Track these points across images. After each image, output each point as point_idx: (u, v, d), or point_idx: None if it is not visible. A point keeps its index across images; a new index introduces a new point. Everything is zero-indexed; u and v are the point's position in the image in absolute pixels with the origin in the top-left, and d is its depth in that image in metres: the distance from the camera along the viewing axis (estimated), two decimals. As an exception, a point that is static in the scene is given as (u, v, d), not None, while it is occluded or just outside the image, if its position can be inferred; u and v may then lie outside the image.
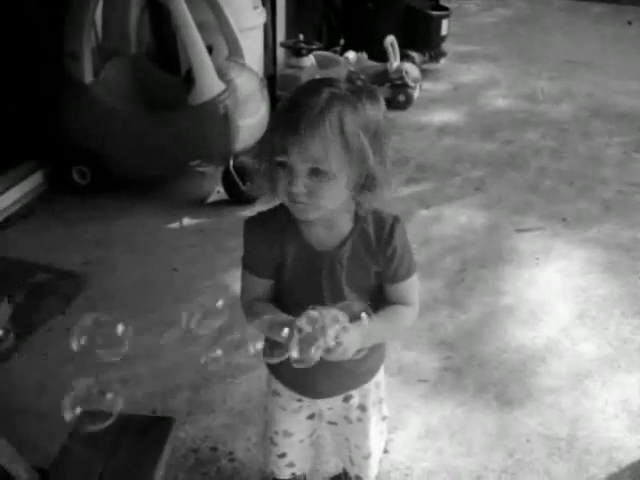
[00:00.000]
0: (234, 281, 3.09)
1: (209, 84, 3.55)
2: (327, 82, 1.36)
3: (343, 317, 1.32)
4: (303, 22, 4.88)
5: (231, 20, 3.85)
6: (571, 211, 3.70)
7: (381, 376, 1.76)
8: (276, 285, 1.53)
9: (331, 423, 1.78)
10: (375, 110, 1.37)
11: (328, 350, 1.32)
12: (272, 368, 1.72)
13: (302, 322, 1.28)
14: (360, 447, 1.80)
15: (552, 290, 3.08)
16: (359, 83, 1.38)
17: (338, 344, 1.31)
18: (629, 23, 7.39)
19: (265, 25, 4.35)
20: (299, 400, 1.71)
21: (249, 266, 1.55)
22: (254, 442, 2.24)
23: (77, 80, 3.61)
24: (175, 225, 3.64)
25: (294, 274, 1.35)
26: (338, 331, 1.30)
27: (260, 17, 4.28)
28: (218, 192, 3.94)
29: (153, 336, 2.79)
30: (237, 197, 3.78)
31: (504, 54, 6.30)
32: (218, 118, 3.57)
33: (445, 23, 5.69)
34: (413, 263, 1.54)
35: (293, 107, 1.34)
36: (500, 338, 2.76)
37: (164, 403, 2.41)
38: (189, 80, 3.68)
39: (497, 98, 5.31)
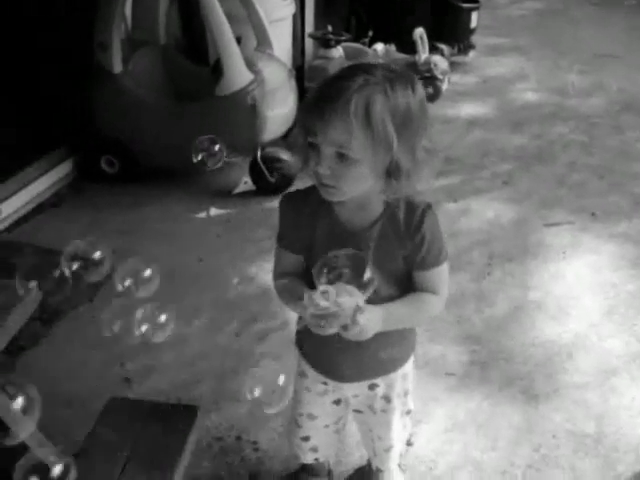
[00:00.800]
0: (260, 272, 3.15)
1: (237, 75, 3.56)
2: (363, 67, 1.36)
3: (359, 295, 1.31)
4: (331, 14, 4.86)
5: (260, 11, 3.85)
6: (600, 206, 3.65)
7: (409, 368, 1.75)
8: (306, 262, 1.55)
9: (357, 412, 1.78)
10: (407, 97, 1.36)
11: (345, 327, 1.33)
12: (301, 347, 1.74)
13: (316, 294, 1.28)
14: (382, 439, 1.80)
15: (580, 285, 3.04)
16: (396, 69, 1.37)
17: (354, 322, 1.32)
18: (662, 16, 7.28)
19: (294, 16, 4.34)
20: (324, 383, 1.72)
21: (282, 241, 1.57)
22: (279, 432, 2.25)
23: (106, 70, 3.64)
24: (202, 215, 3.66)
25: (323, 252, 1.35)
26: (353, 307, 1.29)
27: (289, 8, 4.27)
28: (245, 183, 3.95)
29: (178, 326, 2.80)
30: (264, 188, 3.79)
31: (534, 47, 6.23)
32: (246, 109, 3.58)
33: (475, 15, 5.63)
34: (444, 252, 1.53)
35: (324, 91, 1.35)
36: (527, 332, 2.74)
37: (189, 392, 2.43)
38: (217, 70, 3.69)
39: (526, 92, 5.25)
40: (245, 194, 3.86)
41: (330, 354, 1.63)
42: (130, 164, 3.85)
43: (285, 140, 3.98)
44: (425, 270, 1.52)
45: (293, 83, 4.00)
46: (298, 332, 1.74)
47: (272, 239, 3.30)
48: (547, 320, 2.81)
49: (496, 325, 2.79)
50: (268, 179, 3.74)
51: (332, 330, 1.33)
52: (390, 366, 1.69)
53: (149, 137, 3.75)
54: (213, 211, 3.69)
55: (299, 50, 4.41)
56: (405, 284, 1.55)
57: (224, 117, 3.61)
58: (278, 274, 1.59)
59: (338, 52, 4.52)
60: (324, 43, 4.44)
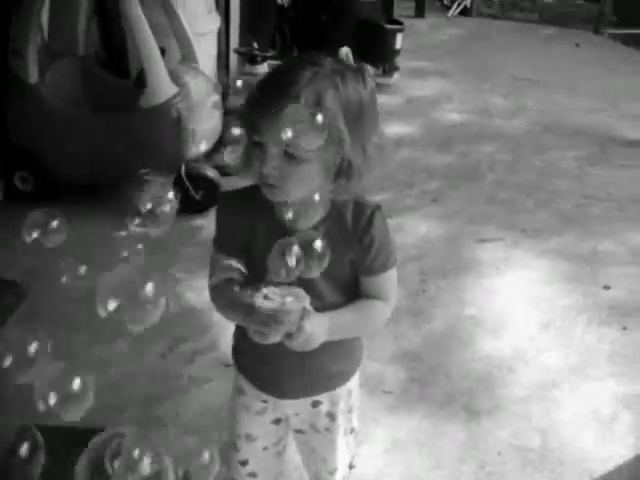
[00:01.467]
0: (186, 291, 2.99)
1: (162, 86, 3.40)
2: (311, 60, 1.25)
3: (305, 297, 1.22)
4: (256, 31, 4.78)
5: (185, 23, 3.72)
6: (530, 222, 3.67)
7: (354, 383, 1.63)
8: (245, 266, 1.43)
9: (298, 432, 1.64)
10: (359, 90, 1.26)
11: (289, 335, 1.24)
12: (238, 361, 1.60)
13: (258, 296, 1.20)
14: (326, 460, 1.67)
15: (515, 300, 3.02)
16: (346, 62, 1.28)
17: (300, 329, 1.23)
18: (577, 45, 7.54)
19: (219, 31, 4.24)
20: (264, 401, 1.57)
21: (218, 244, 1.46)
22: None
23: (21, 79, 3.41)
24: (122, 233, 3.46)
25: (262, 254, 1.24)
26: (299, 311, 1.21)
27: (214, 22, 4.17)
28: (169, 201, 3.77)
29: (102, 346, 2.62)
30: (189, 206, 3.62)
31: (456, 70, 6.32)
32: (171, 122, 3.42)
33: (399, 37, 5.67)
34: (392, 256, 1.43)
35: (270, 86, 1.24)
36: (466, 348, 2.68)
37: (113, 418, 2.24)
38: (140, 82, 3.53)
39: (451, 112, 5.30)
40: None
41: (270, 367, 1.50)
42: (46, 181, 3.62)
43: (210, 156, 3.85)
44: (373, 275, 1.42)
45: (219, 100, 3.86)
46: (235, 344, 1.61)
47: (198, 259, 3.16)
48: (485, 335, 2.76)
49: (434, 341, 2.72)
50: (193, 196, 3.59)
51: (275, 338, 1.23)
52: (335, 381, 1.56)
53: (67, 151, 3.53)
54: (134, 230, 3.50)
55: (224, 65, 4.30)
56: (351, 291, 1.44)
57: (148, 130, 3.45)
58: (215, 285, 1.46)
59: (264, 69, 4.44)
60: (250, 59, 4.35)
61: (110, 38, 4.34)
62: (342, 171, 1.29)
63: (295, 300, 1.20)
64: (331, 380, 1.55)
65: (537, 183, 4.15)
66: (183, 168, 3.53)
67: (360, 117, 1.27)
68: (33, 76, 3.44)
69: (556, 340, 2.74)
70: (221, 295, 1.43)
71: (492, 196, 3.98)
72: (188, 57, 3.76)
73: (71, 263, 1.17)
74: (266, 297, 1.19)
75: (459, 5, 9.10)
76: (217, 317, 2.76)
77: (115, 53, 4.29)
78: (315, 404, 1.58)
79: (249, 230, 1.40)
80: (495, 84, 6.01)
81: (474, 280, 3.15)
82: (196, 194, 3.57)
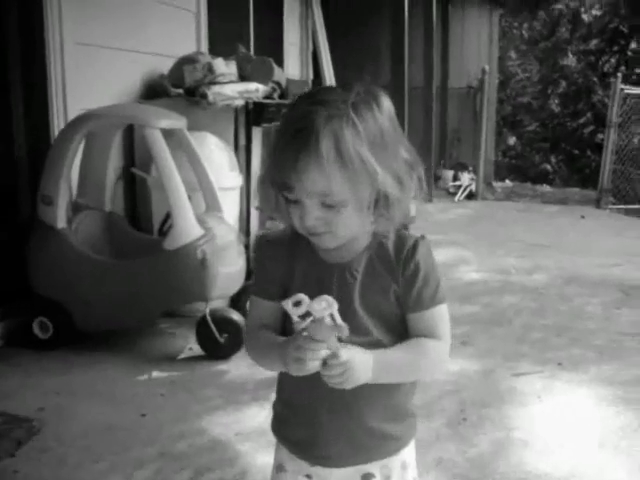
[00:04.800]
0: (210, 426, 2.81)
1: (187, 228, 3.45)
2: (319, 100, 1.24)
3: (333, 302, 1.15)
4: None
5: (211, 176, 3.86)
6: (565, 357, 3.53)
7: (410, 456, 1.46)
8: (285, 313, 1.34)
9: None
10: (375, 117, 1.24)
11: (325, 363, 1.17)
12: (278, 430, 1.45)
13: (287, 303, 1.16)
14: None
15: (565, 423, 2.81)
16: (356, 89, 1.25)
17: (335, 356, 1.16)
18: (582, 217, 7.76)
19: (241, 188, 4.38)
20: (307, 476, 1.40)
21: (256, 288, 1.40)
22: None
23: (48, 225, 3.47)
24: (143, 377, 3.33)
25: (302, 291, 1.17)
26: (328, 314, 1.14)
27: (237, 179, 4.32)
28: (190, 349, 3.67)
29: (120, 476, 2.41)
30: (213, 350, 3.51)
31: (470, 241, 6.43)
32: (195, 263, 3.42)
33: (413, 206, 5.82)
34: (441, 290, 1.35)
35: (287, 139, 1.22)
36: (518, 468, 2.45)
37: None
38: (166, 226, 3.61)
39: (470, 272, 5.30)
40: (191, 358, 3.57)
41: (312, 426, 1.36)
42: (66, 328, 3.54)
43: (234, 301, 3.81)
44: (423, 310, 1.33)
45: (242, 247, 3.91)
46: (275, 412, 1.48)
47: (222, 399, 3.02)
48: (538, 455, 2.54)
49: (483, 464, 2.49)
50: (218, 340, 3.48)
51: (313, 364, 1.16)
52: (386, 447, 1.40)
53: (89, 298, 3.50)
54: (155, 374, 3.37)
55: (245, 220, 4.40)
56: (399, 332, 1.34)
57: (172, 272, 3.44)
58: (251, 327, 1.39)
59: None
60: (270, 216, 4.44)
61: (134, 200, 4.49)
62: (380, 202, 1.25)
63: (325, 306, 1.14)
64: (382, 444, 1.39)
65: (566, 324, 4.05)
66: (208, 311, 3.47)
67: (384, 143, 1.24)
68: (61, 222, 3.50)
69: (616, 458, 2.51)
70: (257, 340, 1.35)
71: (522, 337, 3.86)
72: (213, 207, 3.85)
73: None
74: (296, 304, 1.14)
75: (464, 191, 9.50)
76: (244, 448, 2.60)
77: (139, 213, 4.41)
78: (366, 478, 1.40)
79: (288, 270, 1.35)
80: (509, 249, 6.09)
81: (517, 408, 2.96)
82: (220, 337, 3.47)
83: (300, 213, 1.23)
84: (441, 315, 1.36)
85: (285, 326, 1.34)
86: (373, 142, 1.22)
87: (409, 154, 1.29)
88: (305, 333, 1.15)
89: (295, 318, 1.14)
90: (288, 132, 1.22)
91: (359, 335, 1.26)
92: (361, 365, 1.20)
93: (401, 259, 1.31)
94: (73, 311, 3.51)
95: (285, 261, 1.35)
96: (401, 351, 1.30)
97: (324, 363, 1.16)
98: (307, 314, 1.14)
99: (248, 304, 1.33)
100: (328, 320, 1.13)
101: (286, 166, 1.20)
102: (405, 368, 1.32)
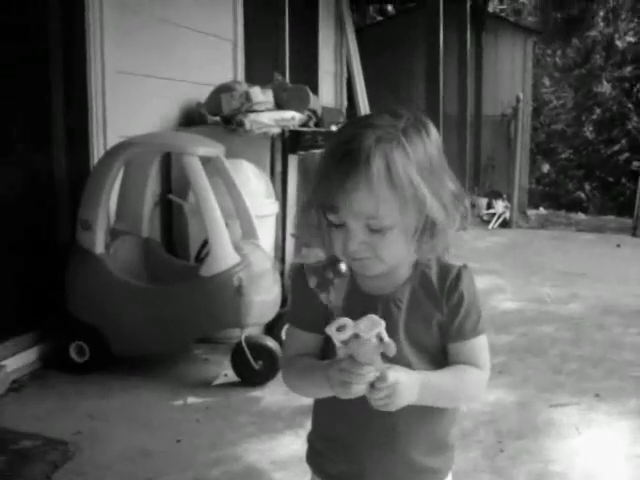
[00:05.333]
0: (245, 453, 2.81)
1: (224, 255, 3.48)
2: (368, 123, 1.25)
3: (379, 322, 1.13)
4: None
5: (248, 203, 3.89)
6: (603, 389, 3.46)
7: (450, 487, 1.45)
8: (326, 343, 1.33)
9: None
10: (425, 144, 1.25)
11: (372, 386, 1.15)
12: (314, 463, 1.45)
13: (331, 329, 1.14)
14: None
15: (604, 457, 2.76)
16: (405, 116, 1.26)
17: (383, 377, 1.14)
18: (618, 246, 7.65)
19: (277, 216, 4.41)
20: None
21: (294, 318, 1.39)
22: None
23: (87, 250, 3.53)
24: (179, 402, 3.34)
25: None
26: (376, 335, 1.12)
27: (273, 207, 4.35)
28: (225, 375, 3.67)
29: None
30: (248, 376, 3.51)
31: (505, 269, 6.37)
32: (232, 290, 3.44)
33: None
34: (482, 320, 1.34)
35: (335, 160, 1.22)
36: (557, 503, 2.41)
37: None
38: (203, 252, 3.64)
39: (505, 301, 5.25)
40: (226, 384, 3.58)
41: (352, 461, 1.35)
42: (102, 352, 3.58)
43: (269, 328, 3.82)
44: (465, 340, 1.32)
45: (277, 275, 3.93)
46: (310, 443, 1.47)
47: (257, 425, 3.03)
48: (576, 490, 2.49)
49: (521, 497, 2.45)
50: (253, 366, 3.48)
51: (359, 387, 1.14)
52: (425, 479, 1.39)
53: (125, 323, 3.55)
54: (191, 399, 3.38)
55: (280, 248, 4.42)
56: (441, 362, 1.33)
57: (208, 299, 3.47)
58: (288, 358, 1.37)
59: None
60: (308, 243, 4.46)
61: (171, 225, 4.54)
62: (426, 229, 1.25)
63: (370, 325, 1.12)
64: (420, 477, 1.37)
65: (603, 355, 3.98)
66: (243, 337, 3.48)
67: (432, 170, 1.25)
68: (99, 247, 3.56)
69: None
70: (296, 365, 1.34)
71: (558, 368, 3.81)
72: (249, 234, 3.88)
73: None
74: (340, 329, 1.12)
75: (498, 218, 9.43)
76: (279, 476, 2.60)
77: (176, 238, 4.46)
78: (404, 511, 1.39)
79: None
80: (544, 277, 6.02)
81: (554, 441, 2.92)
82: (256, 364, 3.47)
83: (344, 237, 1.22)
84: (482, 345, 1.35)
85: (325, 358, 1.33)
86: (422, 167, 1.22)
87: (454, 185, 1.30)
88: (348, 352, 1.13)
89: (338, 344, 1.12)
90: (337, 153, 1.22)
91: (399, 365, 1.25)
92: (408, 385, 1.18)
93: (445, 289, 1.31)
94: (109, 335, 3.55)
95: None
96: (445, 374, 1.30)
97: (371, 385, 1.14)
98: (349, 340, 1.12)
99: (284, 332, 1.31)
100: (374, 341, 1.11)
101: (334, 186, 1.20)
102: (449, 391, 1.31)
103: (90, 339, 3.58)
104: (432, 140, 1.27)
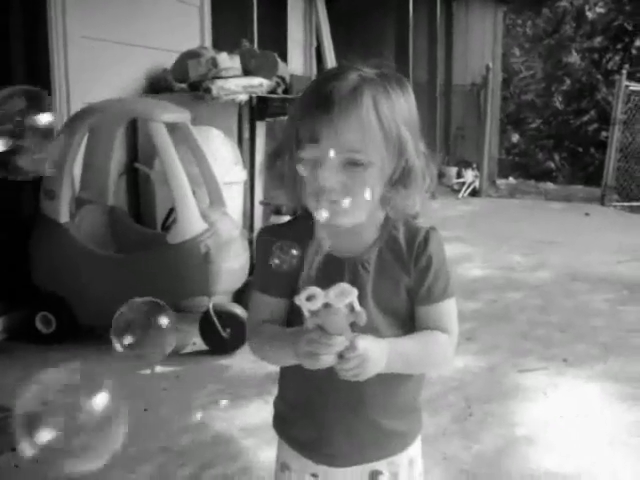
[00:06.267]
0: (213, 421, 2.79)
1: (191, 223, 3.43)
2: (353, 67, 1.23)
3: (351, 292, 1.09)
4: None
5: (215, 171, 3.83)
6: (570, 353, 3.50)
7: (417, 451, 1.43)
8: (291, 308, 1.30)
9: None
10: (407, 99, 1.25)
11: (341, 356, 1.11)
12: (282, 429, 1.42)
13: (301, 299, 1.09)
14: None
15: (571, 420, 2.79)
16: (386, 70, 1.25)
17: (352, 347, 1.10)
18: (587, 214, 7.73)
19: (245, 183, 4.36)
20: (313, 475, 1.37)
21: (260, 284, 1.34)
22: None
23: (51, 219, 3.46)
24: (146, 372, 3.31)
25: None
26: (347, 306, 1.08)
27: (241, 173, 4.30)
28: (194, 344, 3.64)
29: (122, 471, 2.39)
30: (216, 345, 3.49)
31: (473, 237, 6.40)
32: (199, 257, 3.40)
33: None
34: (450, 284, 1.32)
35: (321, 90, 1.19)
36: (524, 466, 2.43)
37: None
38: (170, 220, 3.59)
39: (473, 269, 5.28)
40: (194, 353, 3.55)
41: (318, 424, 1.33)
42: (68, 322, 3.53)
43: (237, 296, 3.79)
44: (433, 303, 1.30)
45: (246, 243, 3.89)
46: (277, 409, 1.44)
47: (224, 393, 3.00)
48: (542, 452, 2.52)
49: (488, 461, 2.47)
50: (221, 334, 3.46)
51: (328, 358, 1.10)
52: (393, 443, 1.37)
53: (91, 292, 3.48)
54: (158, 369, 3.35)
55: (249, 215, 4.38)
56: (409, 327, 1.31)
57: (175, 266, 3.42)
58: (255, 324, 1.33)
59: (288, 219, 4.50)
60: (276, 210, 4.43)
61: (138, 192, 4.47)
62: (401, 177, 1.23)
63: (340, 294, 1.08)
64: (388, 441, 1.36)
65: (571, 321, 4.03)
66: (211, 305, 3.45)
67: (412, 123, 1.24)
68: (64, 216, 3.48)
69: (627, 458, 2.49)
70: (262, 334, 1.31)
71: (527, 333, 3.84)
72: (217, 202, 3.83)
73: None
74: (309, 299, 1.08)
75: (468, 188, 9.47)
76: (248, 444, 2.58)
77: (143, 206, 4.39)
78: (373, 475, 1.37)
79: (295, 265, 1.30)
80: (513, 246, 6.06)
81: (521, 404, 2.95)
82: (224, 332, 3.45)
83: (320, 174, 1.16)
84: (450, 309, 1.33)
85: (291, 324, 1.30)
86: (404, 116, 1.21)
87: (425, 149, 1.28)
88: (317, 322, 1.09)
89: (307, 314, 1.08)
90: (322, 89, 1.18)
91: (366, 332, 1.19)
92: (376, 354, 1.15)
93: (413, 251, 1.28)
94: (75, 305, 3.50)
95: None
96: (413, 341, 1.27)
97: (340, 355, 1.11)
98: (319, 310, 1.08)
99: (249, 304, 1.29)
100: (345, 310, 1.07)
101: (319, 112, 1.16)
102: (417, 358, 1.28)
103: (56, 309, 3.53)
104: (411, 98, 1.26)
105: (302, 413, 1.35)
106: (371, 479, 1.38)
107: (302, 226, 1.30)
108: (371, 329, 1.20)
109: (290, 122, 1.25)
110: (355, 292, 1.08)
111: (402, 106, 1.23)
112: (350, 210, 1.19)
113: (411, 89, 1.28)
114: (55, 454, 1.00)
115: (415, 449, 1.43)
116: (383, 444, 1.36)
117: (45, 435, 0.98)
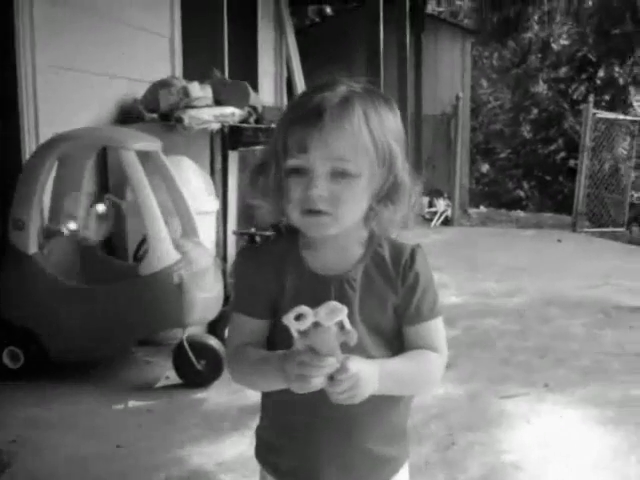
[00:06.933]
0: (189, 457, 2.70)
1: (164, 252, 3.35)
2: (341, 80, 1.22)
3: (341, 310, 1.05)
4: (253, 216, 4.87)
5: (188, 201, 3.77)
6: (551, 378, 3.47)
7: (405, 477, 1.39)
8: (272, 329, 1.26)
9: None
10: (394, 115, 1.24)
11: (332, 379, 1.07)
12: (265, 458, 1.36)
13: (289, 318, 1.06)
14: None
15: (557, 445, 2.75)
16: (372, 87, 1.24)
17: (343, 369, 1.06)
18: (559, 241, 7.79)
19: (217, 212, 4.30)
20: None
21: (240, 304, 1.28)
22: None
23: (19, 250, 3.35)
24: (119, 407, 3.20)
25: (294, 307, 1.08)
26: (337, 324, 1.05)
27: (213, 203, 4.25)
28: (167, 378, 3.54)
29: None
30: (190, 377, 3.39)
31: (447, 265, 6.37)
32: (172, 288, 3.32)
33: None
34: (438, 302, 1.30)
35: (310, 100, 1.18)
36: (511, 493, 2.37)
37: None
38: (141, 251, 3.51)
39: (450, 296, 5.24)
40: (168, 387, 3.45)
41: (304, 450, 1.28)
42: (37, 357, 3.41)
43: (212, 327, 3.71)
44: (422, 322, 1.27)
45: (219, 273, 3.82)
46: (259, 438, 1.38)
47: (201, 428, 2.92)
48: (529, 479, 2.46)
49: (474, 490, 2.41)
50: (195, 367, 3.37)
51: (318, 380, 1.06)
52: (382, 469, 1.33)
53: (63, 325, 3.37)
54: (132, 403, 3.25)
55: (222, 245, 4.32)
56: (396, 346, 1.27)
57: (148, 297, 3.34)
58: (235, 348, 1.27)
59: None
60: (250, 239, 4.38)
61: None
62: (389, 192, 1.21)
63: (330, 313, 1.04)
64: (378, 466, 1.31)
65: (549, 346, 4.01)
66: (185, 337, 3.36)
67: (401, 138, 1.24)
68: (33, 247, 3.39)
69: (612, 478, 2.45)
70: (246, 359, 1.24)
71: (507, 359, 3.81)
72: (189, 232, 3.76)
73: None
74: (298, 318, 1.04)
75: (440, 217, 9.51)
76: (226, 479, 2.49)
77: (114, 237, 4.29)
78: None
79: (275, 285, 1.25)
80: (487, 273, 6.06)
81: (505, 432, 2.90)
82: (198, 364, 3.36)
83: (306, 184, 1.15)
84: (439, 327, 1.31)
85: (272, 346, 1.25)
86: (392, 131, 1.21)
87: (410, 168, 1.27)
88: (307, 343, 1.05)
89: (295, 334, 1.04)
90: (311, 100, 1.17)
91: (354, 353, 1.15)
92: (368, 375, 1.11)
93: (399, 268, 1.25)
94: (45, 339, 3.38)
95: (272, 275, 1.25)
96: (405, 360, 1.24)
97: (330, 378, 1.07)
98: (308, 330, 1.04)
99: (227, 328, 1.23)
100: (335, 329, 1.03)
101: (307, 121, 1.14)
102: (409, 378, 1.25)
103: (24, 344, 3.41)
104: (398, 115, 1.25)
105: (288, 440, 1.29)
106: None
107: (284, 245, 1.26)
108: (359, 349, 1.16)
109: (277, 133, 1.23)
110: (345, 310, 1.04)
111: (391, 122, 1.22)
112: (331, 224, 1.18)
113: (397, 108, 1.27)
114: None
115: (403, 475, 1.38)
116: (374, 471, 1.31)
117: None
